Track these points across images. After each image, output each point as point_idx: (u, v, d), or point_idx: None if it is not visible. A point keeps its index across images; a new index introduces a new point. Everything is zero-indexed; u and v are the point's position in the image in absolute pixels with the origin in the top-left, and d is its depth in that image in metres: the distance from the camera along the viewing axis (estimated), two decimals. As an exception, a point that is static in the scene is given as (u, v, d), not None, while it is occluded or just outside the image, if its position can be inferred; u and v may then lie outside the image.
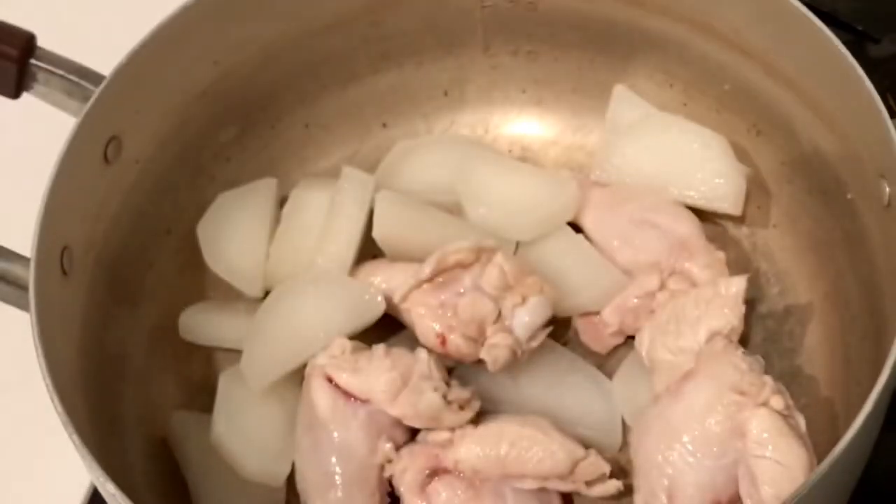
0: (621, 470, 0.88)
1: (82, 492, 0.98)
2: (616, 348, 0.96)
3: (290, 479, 0.89)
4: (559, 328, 0.95)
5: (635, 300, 0.94)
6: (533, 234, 0.98)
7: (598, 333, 0.96)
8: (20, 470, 1.04)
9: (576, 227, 1.00)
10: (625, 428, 0.91)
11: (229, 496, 0.89)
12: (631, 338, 0.94)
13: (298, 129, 1.08)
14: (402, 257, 0.97)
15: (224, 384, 0.93)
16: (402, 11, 1.05)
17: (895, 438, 0.82)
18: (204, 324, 0.98)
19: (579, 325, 0.97)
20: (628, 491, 0.86)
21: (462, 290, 0.91)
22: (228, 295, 0.99)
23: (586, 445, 0.87)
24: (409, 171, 1.04)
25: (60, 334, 0.83)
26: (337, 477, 0.85)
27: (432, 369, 0.87)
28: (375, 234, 0.97)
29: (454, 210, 1.01)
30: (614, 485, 0.86)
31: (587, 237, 0.99)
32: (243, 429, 0.90)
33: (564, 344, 0.96)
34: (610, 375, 0.94)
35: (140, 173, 0.97)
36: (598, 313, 0.96)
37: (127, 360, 0.96)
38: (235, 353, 0.94)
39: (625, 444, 0.90)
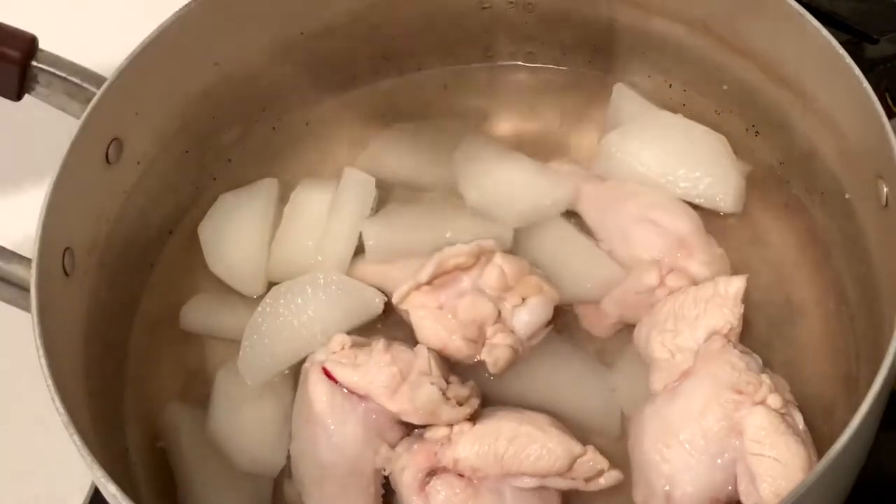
0: (621, 460, 0.88)
1: (83, 492, 0.99)
2: (617, 334, 0.96)
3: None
4: (560, 313, 0.95)
5: (634, 295, 0.95)
6: (527, 220, 0.98)
7: (599, 320, 0.96)
8: (21, 470, 1.04)
9: (576, 220, 1.00)
10: (623, 418, 0.91)
11: (218, 486, 0.90)
12: (632, 326, 0.95)
13: (299, 130, 1.09)
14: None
15: (221, 379, 0.94)
16: (402, 13, 1.05)
17: (893, 437, 0.83)
18: (205, 314, 0.99)
19: (580, 311, 0.97)
20: (628, 480, 0.86)
21: (462, 292, 0.92)
22: (229, 291, 1.00)
23: (585, 434, 0.88)
24: (396, 156, 1.05)
25: (62, 335, 0.83)
26: (333, 470, 0.86)
27: (432, 365, 0.88)
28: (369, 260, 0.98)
29: (439, 192, 1.02)
30: (613, 476, 0.86)
31: (588, 230, 1.00)
32: (239, 423, 0.91)
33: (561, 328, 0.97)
34: (610, 364, 0.95)
35: (142, 174, 0.97)
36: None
37: (127, 358, 0.96)
38: (232, 346, 0.94)
39: (623, 433, 0.90)
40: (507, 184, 1.00)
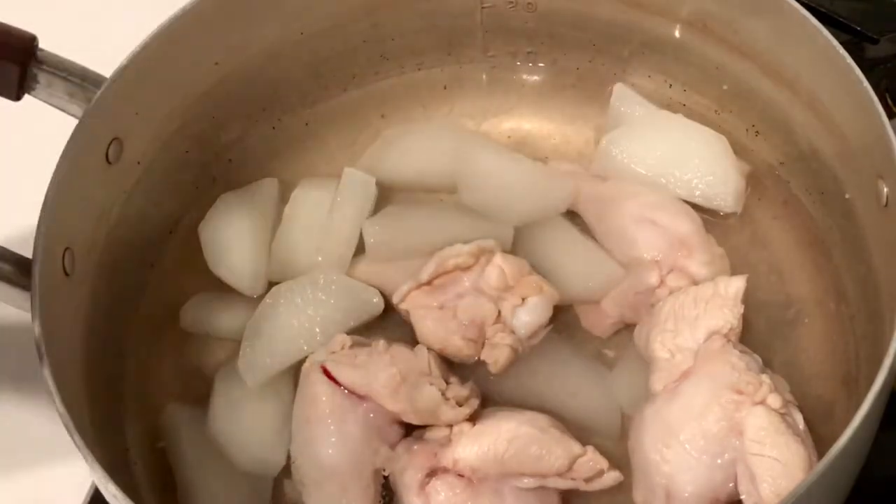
0: (621, 460, 0.88)
1: (83, 492, 0.99)
2: (617, 334, 0.96)
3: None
4: (560, 313, 0.96)
5: (634, 295, 0.95)
6: (527, 220, 0.98)
7: (599, 320, 0.96)
8: (21, 470, 1.04)
9: (576, 220, 1.01)
10: (623, 418, 0.91)
11: (218, 486, 0.90)
12: (632, 326, 0.95)
13: (299, 130, 1.09)
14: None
15: (221, 379, 0.94)
16: (402, 13, 1.05)
17: (893, 437, 0.83)
18: (205, 314, 0.99)
19: (581, 311, 0.97)
20: (628, 480, 0.86)
21: (462, 292, 0.92)
22: (229, 291, 1.00)
23: (585, 434, 0.88)
24: (396, 156, 1.05)
25: (62, 335, 0.83)
26: (333, 470, 0.86)
27: (432, 366, 0.88)
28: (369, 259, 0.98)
29: (439, 192, 1.02)
30: (612, 477, 0.86)
31: (588, 230, 1.00)
32: (239, 422, 0.91)
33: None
34: (610, 364, 0.95)
35: (142, 174, 0.97)
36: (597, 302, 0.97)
37: (127, 358, 0.96)
38: (232, 346, 0.95)
39: (623, 433, 0.90)
40: (507, 184, 1.00)
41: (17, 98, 0.94)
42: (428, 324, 0.91)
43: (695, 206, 0.98)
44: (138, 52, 0.92)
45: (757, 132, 1.02)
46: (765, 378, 0.83)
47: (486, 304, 0.91)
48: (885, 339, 0.75)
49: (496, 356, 0.91)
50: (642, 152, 1.01)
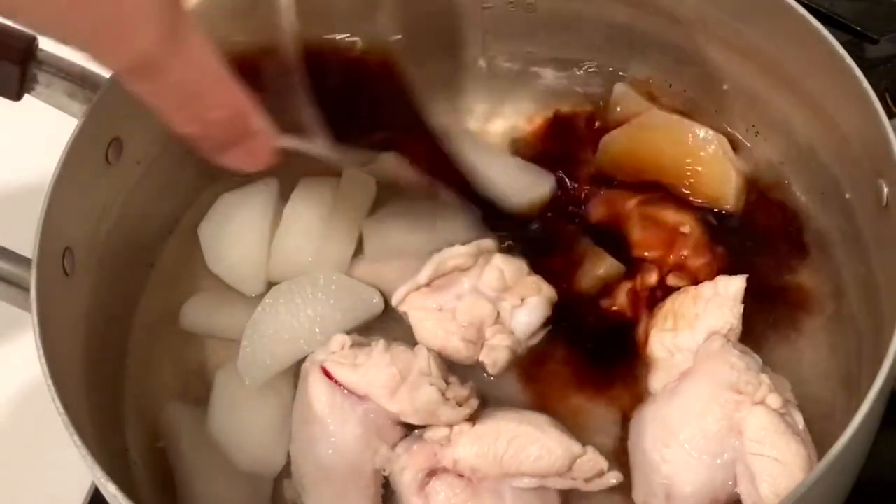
0: (621, 460, 0.88)
1: (83, 492, 0.99)
2: (618, 336, 0.96)
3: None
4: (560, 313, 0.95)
5: (634, 295, 0.95)
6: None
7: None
8: (21, 470, 1.04)
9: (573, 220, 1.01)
10: (623, 417, 0.91)
11: (218, 486, 0.90)
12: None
13: (299, 130, 1.08)
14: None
15: (221, 379, 0.94)
16: (402, 13, 1.05)
17: (893, 437, 0.83)
18: (205, 314, 0.99)
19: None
20: (628, 480, 0.86)
21: (460, 294, 0.92)
22: (229, 291, 1.00)
23: (586, 435, 0.88)
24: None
25: (62, 335, 0.84)
26: (332, 470, 0.86)
27: (431, 366, 0.88)
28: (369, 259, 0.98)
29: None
30: (612, 477, 0.86)
31: (589, 230, 1.00)
32: (239, 422, 0.91)
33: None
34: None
35: (142, 174, 0.97)
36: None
37: (127, 358, 0.96)
38: (232, 346, 0.94)
39: (623, 433, 0.90)
40: (488, 179, 0.99)
41: (18, 98, 0.94)
42: (427, 326, 0.91)
43: (695, 206, 0.99)
44: (138, 52, 0.92)
45: (757, 132, 1.02)
46: (765, 378, 0.83)
47: (485, 305, 0.91)
48: (885, 339, 0.75)
49: (495, 357, 0.91)
50: (642, 153, 1.01)
